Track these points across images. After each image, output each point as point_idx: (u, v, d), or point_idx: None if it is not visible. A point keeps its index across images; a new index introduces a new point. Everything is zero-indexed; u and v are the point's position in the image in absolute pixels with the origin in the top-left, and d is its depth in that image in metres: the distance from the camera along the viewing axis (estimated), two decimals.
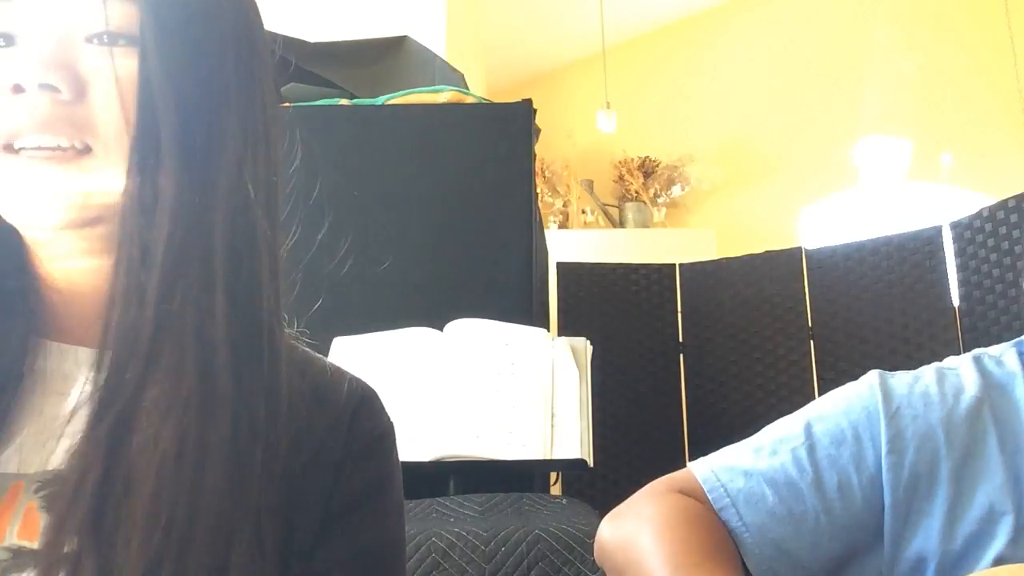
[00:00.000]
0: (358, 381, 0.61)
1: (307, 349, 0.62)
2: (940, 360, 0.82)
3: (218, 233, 0.50)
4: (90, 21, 0.50)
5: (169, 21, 0.50)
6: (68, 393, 0.50)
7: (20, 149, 0.49)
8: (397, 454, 0.62)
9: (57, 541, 0.44)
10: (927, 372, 0.79)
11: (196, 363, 0.48)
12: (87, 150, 0.49)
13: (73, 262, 0.52)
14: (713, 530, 0.74)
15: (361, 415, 0.59)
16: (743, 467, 0.77)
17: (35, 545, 0.47)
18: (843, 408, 0.77)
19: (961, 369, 0.78)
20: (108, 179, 0.49)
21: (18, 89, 0.49)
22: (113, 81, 0.49)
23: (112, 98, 0.49)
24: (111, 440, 0.46)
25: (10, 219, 0.51)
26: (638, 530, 0.74)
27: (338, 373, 0.60)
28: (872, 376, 0.79)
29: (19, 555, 0.47)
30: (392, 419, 0.62)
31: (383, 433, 0.61)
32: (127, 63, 0.50)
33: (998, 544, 0.68)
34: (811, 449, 0.76)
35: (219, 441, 0.48)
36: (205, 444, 0.47)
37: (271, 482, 0.51)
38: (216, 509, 0.47)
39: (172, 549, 0.45)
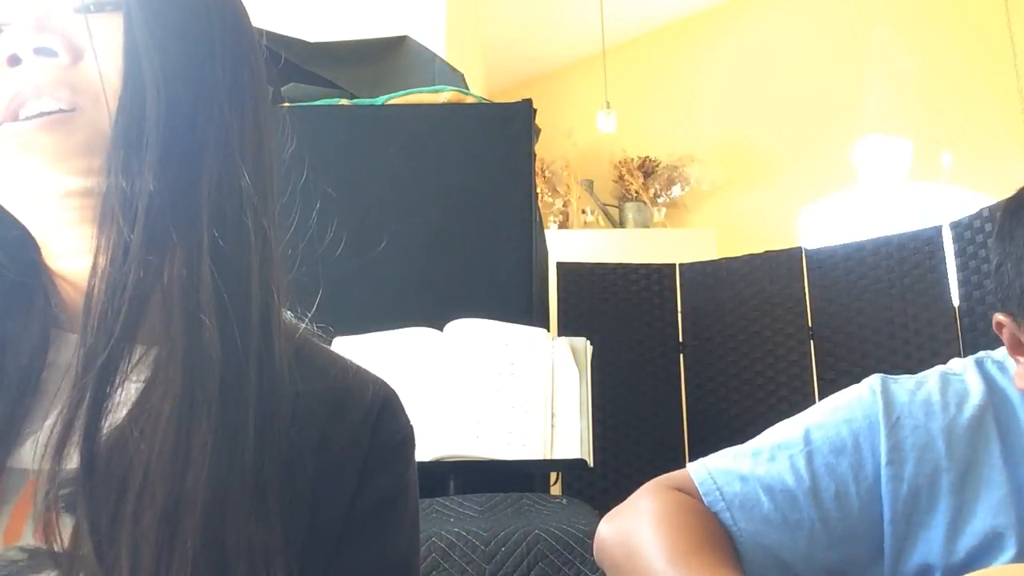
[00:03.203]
0: (380, 383, 0.61)
1: (329, 348, 0.62)
2: (940, 360, 0.80)
3: (204, 193, 0.50)
4: None
5: None
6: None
7: (21, 120, 0.48)
8: (415, 459, 0.62)
9: (76, 543, 0.44)
10: (931, 377, 0.77)
11: (182, 327, 0.48)
12: (85, 114, 0.49)
13: (78, 253, 0.52)
14: (709, 521, 0.73)
15: (384, 419, 0.59)
16: (740, 471, 0.76)
17: (54, 546, 0.46)
18: (844, 415, 0.76)
19: (966, 375, 0.76)
20: (105, 142, 0.49)
21: (14, 60, 0.49)
22: (104, 44, 0.49)
23: (106, 61, 0.49)
24: (94, 415, 0.46)
25: (14, 192, 0.50)
26: (635, 524, 0.74)
27: (361, 374, 0.60)
28: (875, 381, 0.77)
29: (36, 556, 0.46)
30: (412, 421, 0.62)
31: (405, 437, 0.60)
32: (117, 27, 0.49)
33: (1004, 559, 0.66)
34: (809, 457, 0.74)
35: (206, 402, 0.47)
36: (191, 409, 0.47)
37: (272, 454, 0.50)
38: (206, 470, 0.46)
39: (165, 511, 0.45)
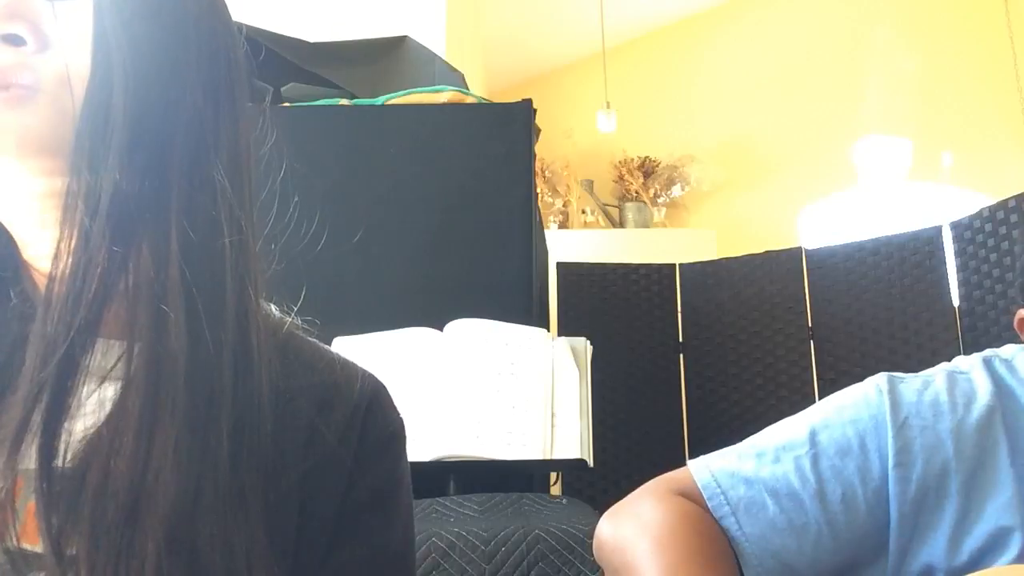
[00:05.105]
0: (369, 376, 0.60)
1: (316, 342, 0.61)
2: (940, 360, 0.79)
3: (173, 185, 0.49)
4: None
5: None
6: None
7: None
8: (407, 453, 0.61)
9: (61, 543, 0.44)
10: (938, 376, 0.76)
11: (148, 320, 0.47)
12: (49, 95, 0.48)
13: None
14: (711, 538, 0.72)
15: (373, 412, 0.58)
16: (744, 474, 0.75)
17: (37, 548, 0.45)
18: (850, 416, 0.75)
19: (972, 373, 0.75)
20: (70, 127, 0.48)
21: None
22: (74, 32, 0.48)
23: (75, 50, 0.48)
24: (52, 415, 0.45)
25: None
26: (636, 534, 0.73)
27: (348, 367, 0.59)
28: (881, 380, 0.76)
29: (17, 559, 0.45)
30: (402, 415, 0.61)
31: (395, 432, 0.60)
32: (88, 16, 0.49)
33: (1007, 559, 0.66)
34: (815, 459, 0.73)
35: (171, 400, 0.46)
36: (156, 401, 0.46)
37: (252, 453, 0.49)
38: (169, 470, 0.45)
39: (125, 511, 0.44)
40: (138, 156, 0.48)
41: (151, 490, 0.45)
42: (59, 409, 0.45)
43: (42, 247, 0.51)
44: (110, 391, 0.47)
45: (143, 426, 0.45)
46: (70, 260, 0.46)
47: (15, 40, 0.48)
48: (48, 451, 0.45)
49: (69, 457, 0.45)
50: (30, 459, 0.45)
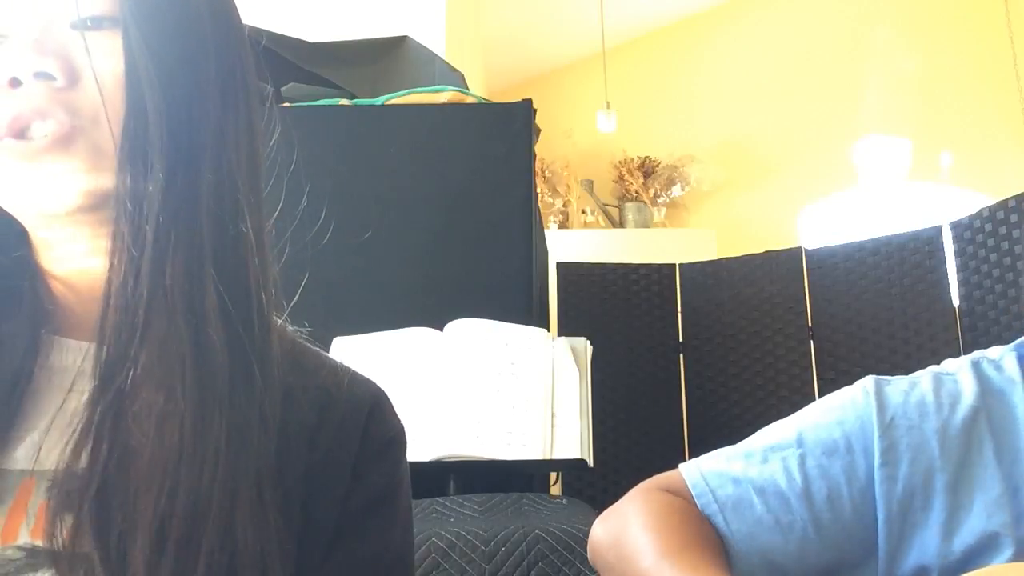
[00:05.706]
0: (369, 383, 0.61)
1: (318, 348, 0.62)
2: (940, 360, 0.80)
3: (204, 204, 0.51)
4: (73, 8, 0.50)
5: None
6: (82, 390, 0.50)
7: (24, 139, 0.49)
8: (407, 458, 0.62)
9: (75, 541, 0.45)
10: (924, 378, 0.77)
11: (188, 333, 0.49)
12: (85, 134, 0.49)
13: (80, 257, 0.52)
14: (697, 521, 0.73)
15: (374, 418, 0.59)
16: (733, 474, 0.76)
17: (40, 544, 0.47)
18: (836, 417, 0.76)
19: (959, 374, 0.76)
20: (107, 161, 0.49)
21: (15, 83, 0.49)
22: (102, 63, 0.49)
23: (104, 81, 0.49)
24: (113, 419, 0.47)
25: (20, 208, 0.51)
26: (625, 525, 0.74)
27: (349, 374, 0.61)
28: (867, 383, 0.77)
29: (33, 555, 0.46)
30: (402, 421, 0.63)
31: (395, 437, 0.61)
32: (115, 45, 0.50)
33: (1002, 559, 0.66)
34: (802, 459, 0.74)
35: (215, 406, 0.48)
36: (202, 411, 0.48)
37: (267, 447, 0.51)
38: (221, 470, 0.47)
39: (174, 518, 0.45)
40: (175, 177, 0.50)
41: (206, 491, 0.47)
42: (115, 421, 0.47)
43: (70, 250, 0.52)
44: (155, 397, 0.48)
45: (196, 433, 0.47)
46: (120, 287, 0.48)
47: (46, 77, 0.49)
48: (105, 458, 0.46)
49: (119, 463, 0.47)
50: (43, 462, 0.48)
